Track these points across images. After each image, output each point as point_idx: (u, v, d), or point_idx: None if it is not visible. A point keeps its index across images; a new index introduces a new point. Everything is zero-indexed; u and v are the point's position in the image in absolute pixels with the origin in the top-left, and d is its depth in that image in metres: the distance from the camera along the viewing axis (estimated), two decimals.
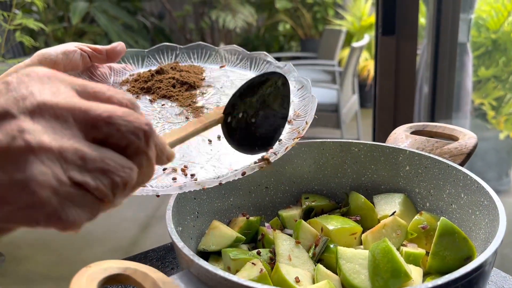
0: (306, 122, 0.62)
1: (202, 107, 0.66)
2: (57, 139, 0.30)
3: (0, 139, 0.28)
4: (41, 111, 0.30)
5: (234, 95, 0.51)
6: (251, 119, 0.54)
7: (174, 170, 0.58)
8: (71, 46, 0.64)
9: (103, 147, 0.31)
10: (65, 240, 2.34)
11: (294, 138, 0.60)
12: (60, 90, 0.32)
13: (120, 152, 0.32)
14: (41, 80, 0.32)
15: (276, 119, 0.57)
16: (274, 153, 0.58)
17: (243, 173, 0.55)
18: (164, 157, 0.37)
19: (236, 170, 0.57)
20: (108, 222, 2.49)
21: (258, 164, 0.57)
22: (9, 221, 0.29)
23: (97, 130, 0.31)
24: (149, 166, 0.34)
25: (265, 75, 0.54)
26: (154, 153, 0.35)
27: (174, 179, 0.57)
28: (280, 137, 0.61)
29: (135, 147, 0.32)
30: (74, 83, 0.33)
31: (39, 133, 0.29)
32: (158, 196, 0.55)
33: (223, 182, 0.55)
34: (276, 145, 0.60)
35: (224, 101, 0.68)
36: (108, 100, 0.33)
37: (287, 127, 0.63)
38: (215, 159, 0.59)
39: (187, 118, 0.64)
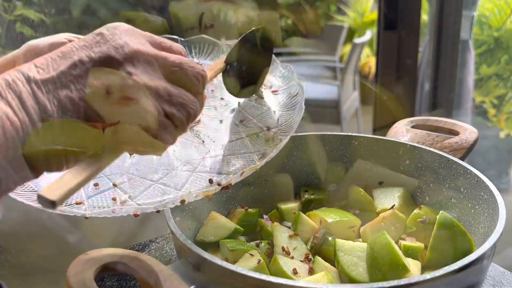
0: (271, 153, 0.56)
1: None
2: (152, 79, 0.39)
3: (113, 78, 0.37)
4: (138, 57, 0.39)
5: (232, 49, 0.62)
6: (242, 67, 0.63)
7: (115, 185, 0.56)
8: (61, 38, 0.62)
9: (178, 86, 0.41)
10: (64, 233, 2.34)
11: (252, 168, 0.54)
12: (142, 41, 0.40)
13: None
14: (127, 33, 0.40)
15: (260, 69, 0.67)
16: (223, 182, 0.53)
17: (182, 201, 0.51)
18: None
19: (180, 194, 0.53)
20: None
21: (202, 191, 0.52)
22: (127, 143, 0.39)
23: (173, 74, 0.41)
24: (203, 105, 0.44)
25: (254, 31, 0.64)
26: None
27: (113, 199, 0.55)
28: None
29: (196, 89, 0.42)
30: (146, 35, 0.42)
31: (140, 75, 0.38)
32: (86, 218, 0.52)
33: (160, 209, 0.51)
34: (233, 168, 0.56)
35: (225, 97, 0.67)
36: (169, 49, 0.43)
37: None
38: (169, 177, 0.57)
39: None
